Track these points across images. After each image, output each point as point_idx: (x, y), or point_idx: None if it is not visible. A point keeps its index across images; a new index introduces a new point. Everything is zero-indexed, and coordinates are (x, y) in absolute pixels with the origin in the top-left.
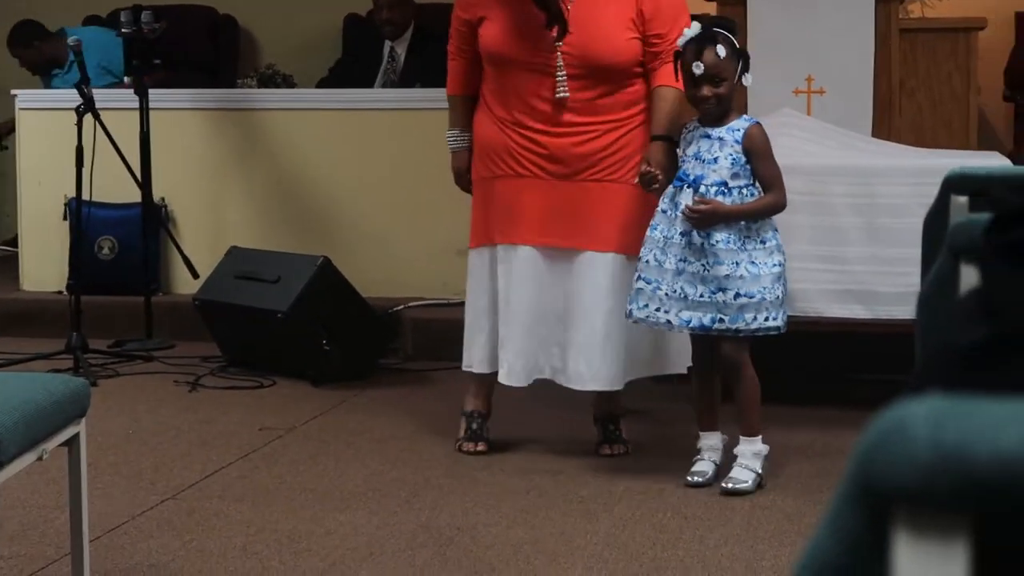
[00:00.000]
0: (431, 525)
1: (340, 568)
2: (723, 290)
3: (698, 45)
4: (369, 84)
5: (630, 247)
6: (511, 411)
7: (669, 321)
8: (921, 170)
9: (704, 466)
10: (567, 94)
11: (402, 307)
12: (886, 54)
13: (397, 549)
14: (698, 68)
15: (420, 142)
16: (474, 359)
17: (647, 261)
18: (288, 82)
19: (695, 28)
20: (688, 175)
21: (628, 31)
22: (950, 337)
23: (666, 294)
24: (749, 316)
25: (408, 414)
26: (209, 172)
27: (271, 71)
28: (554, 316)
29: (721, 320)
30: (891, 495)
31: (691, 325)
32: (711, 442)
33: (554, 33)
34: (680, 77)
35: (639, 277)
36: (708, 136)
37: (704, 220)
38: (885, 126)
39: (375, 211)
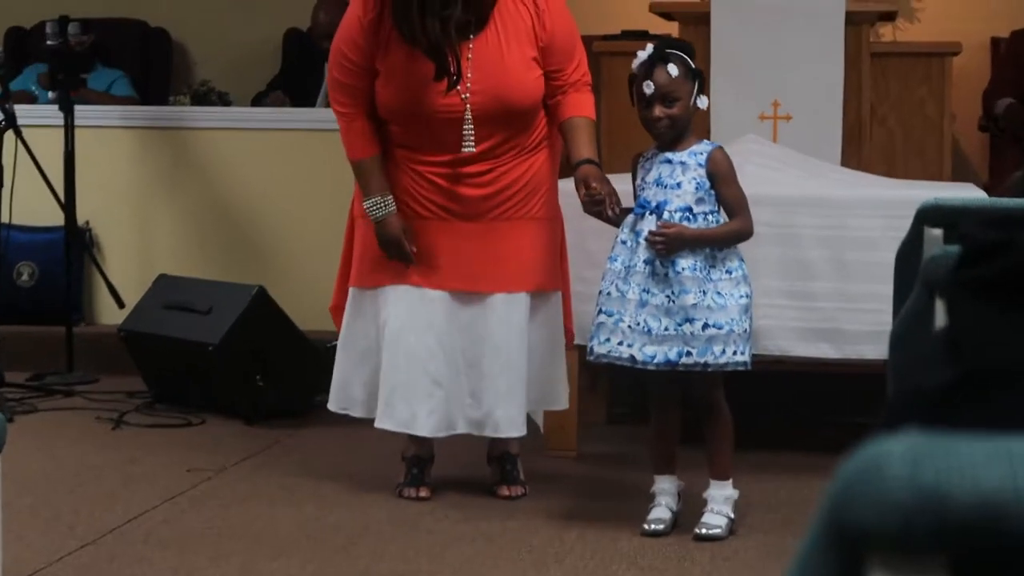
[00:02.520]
0: (370, 574)
1: None
2: (689, 320)
3: (649, 66)
4: (310, 102)
5: (545, 283)
6: (456, 449)
7: (633, 356)
8: (893, 202)
9: (661, 513)
10: (474, 148)
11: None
12: (856, 78)
13: None
14: (648, 88)
15: None
16: (354, 401)
17: (608, 293)
18: (223, 100)
19: (648, 49)
20: (649, 202)
21: (534, 70)
22: (918, 379)
23: (629, 327)
24: (718, 349)
25: (347, 455)
26: (137, 194)
27: (205, 88)
28: (465, 363)
29: (688, 354)
30: (867, 537)
31: (656, 361)
32: (667, 487)
33: (443, 86)
34: (633, 101)
35: (600, 311)
36: (669, 161)
37: (669, 245)
38: (855, 154)
39: (315, 238)
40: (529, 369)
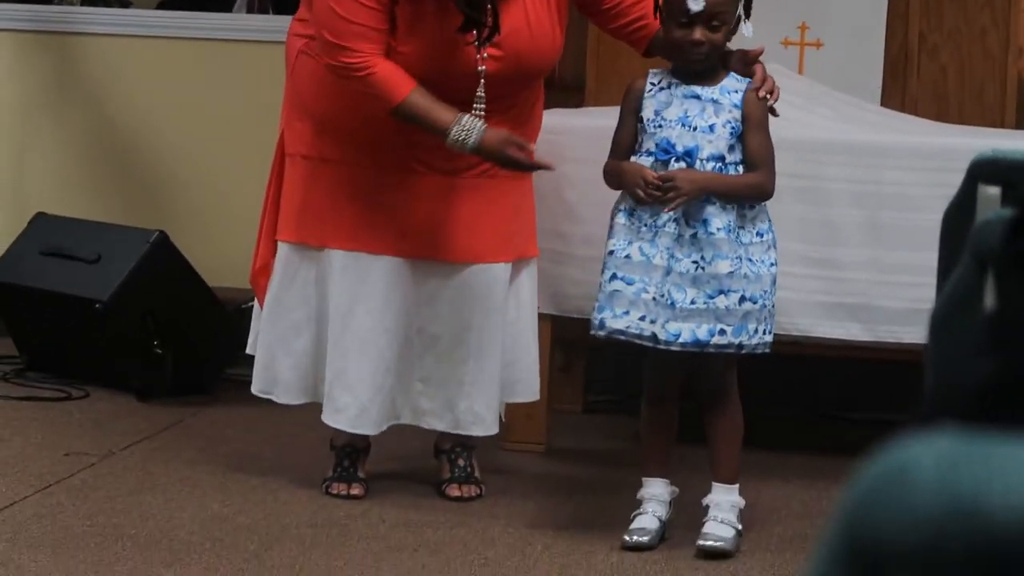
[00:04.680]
0: None
1: None
2: (724, 293)
3: None
4: (229, 5)
5: (526, 248)
6: (397, 437)
7: (655, 335)
8: (942, 151)
9: (647, 522)
10: (483, 113)
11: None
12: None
13: None
14: (697, 4)
15: None
16: (277, 385)
17: (627, 255)
18: (122, 0)
19: None
20: (674, 145)
21: (556, 28)
22: (960, 370)
23: (653, 298)
24: (751, 327)
25: (263, 442)
26: (10, 114)
27: None
28: (421, 344)
29: (722, 332)
30: (889, 556)
31: (681, 340)
32: (657, 491)
33: (469, 41)
34: (662, 15)
35: (614, 276)
36: (697, 96)
37: (690, 194)
38: (898, 92)
39: (231, 175)
40: (506, 360)
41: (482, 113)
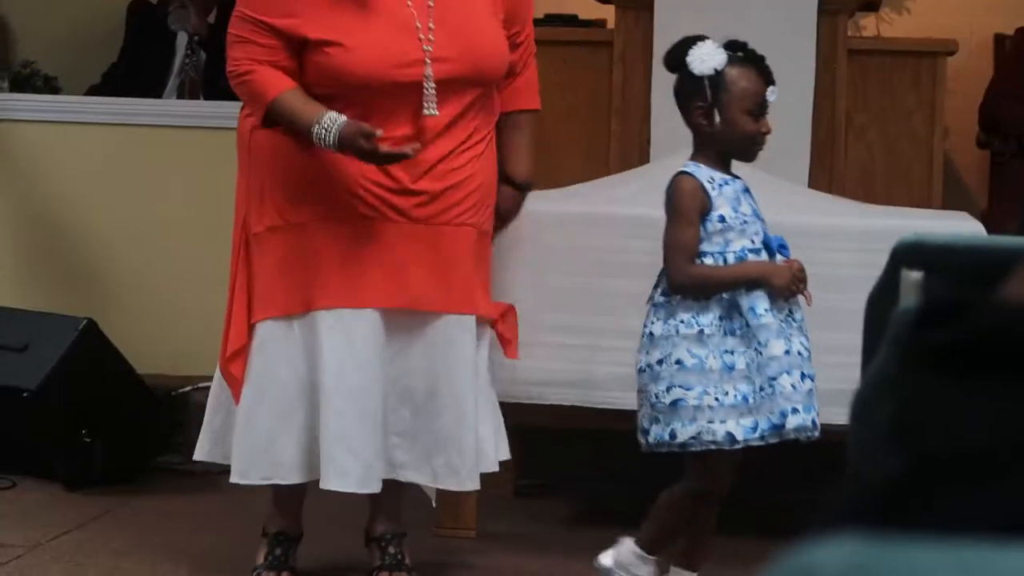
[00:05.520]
0: None
1: None
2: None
3: (756, 66)
4: (158, 90)
5: (488, 311)
6: (327, 526)
7: (730, 434)
8: (868, 233)
9: None
10: (436, 112)
11: (189, 388)
12: (830, 81)
13: None
14: (773, 95)
15: (224, 171)
16: (281, 467)
17: (787, 351)
18: (51, 86)
19: (722, 49)
20: (771, 239)
21: (499, 25)
22: (869, 469)
23: (716, 399)
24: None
25: (193, 529)
26: None
27: (29, 71)
28: (396, 399)
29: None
30: None
31: (758, 433)
32: None
33: (405, 45)
34: (719, 104)
35: (673, 386)
36: (747, 190)
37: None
38: (825, 173)
39: (160, 261)
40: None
41: (435, 111)
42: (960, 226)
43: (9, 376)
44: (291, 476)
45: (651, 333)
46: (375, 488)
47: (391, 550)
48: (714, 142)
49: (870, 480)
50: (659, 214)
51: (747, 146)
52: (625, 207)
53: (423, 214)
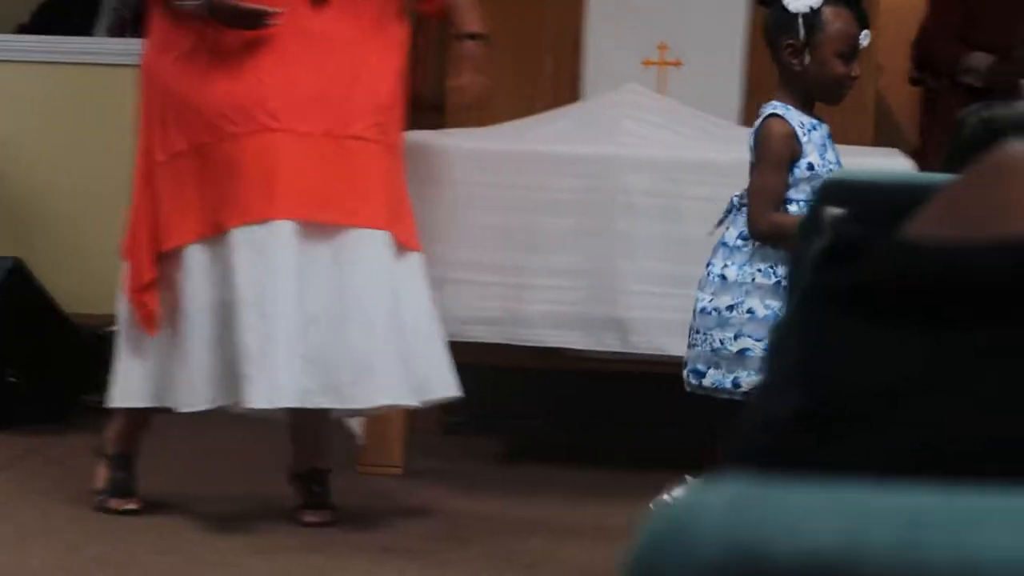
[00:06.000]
0: None
1: None
2: None
3: (852, 8)
4: (88, 28)
5: (407, 236)
6: (253, 462)
7: None
8: None
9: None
10: None
11: (116, 328)
12: (762, 19)
13: None
14: (866, 38)
15: None
16: (228, 391)
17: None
18: None
19: None
20: None
21: None
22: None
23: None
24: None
25: None
26: None
27: None
28: (306, 319)
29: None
30: None
31: None
32: None
33: None
34: (805, 45)
35: (742, 335)
36: (830, 136)
37: None
38: (758, 110)
39: (86, 201)
40: (408, 345)
41: None
42: (890, 163)
43: None
44: (234, 397)
45: (723, 276)
46: (296, 403)
47: (315, 488)
48: (802, 82)
49: (770, 417)
50: (586, 151)
51: (835, 89)
52: (551, 145)
53: (328, 125)
